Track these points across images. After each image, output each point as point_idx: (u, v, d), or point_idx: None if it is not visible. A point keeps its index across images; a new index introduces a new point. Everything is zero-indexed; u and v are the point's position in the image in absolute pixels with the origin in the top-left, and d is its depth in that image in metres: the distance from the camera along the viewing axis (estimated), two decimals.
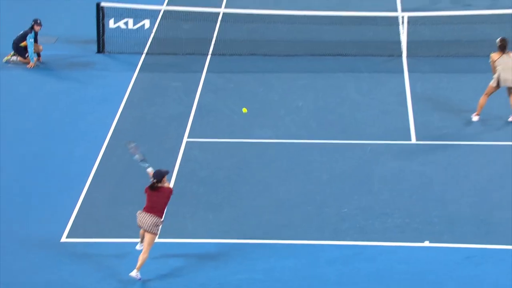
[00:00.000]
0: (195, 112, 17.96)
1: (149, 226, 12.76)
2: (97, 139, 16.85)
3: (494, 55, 16.77)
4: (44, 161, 16.15)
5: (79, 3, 23.14)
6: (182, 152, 16.50)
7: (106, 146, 16.66)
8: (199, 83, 19.17)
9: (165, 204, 12.89)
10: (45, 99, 18.56)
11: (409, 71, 19.47)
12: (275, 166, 16.04)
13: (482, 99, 17.12)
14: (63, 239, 13.92)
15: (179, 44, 20.82)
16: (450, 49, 20.08)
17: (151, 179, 12.88)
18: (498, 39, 16.81)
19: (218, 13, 21.64)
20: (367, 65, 19.87)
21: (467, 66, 19.46)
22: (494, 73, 16.86)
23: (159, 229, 12.91)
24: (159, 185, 12.82)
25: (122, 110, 18.06)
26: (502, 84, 16.76)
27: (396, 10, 22.28)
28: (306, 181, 15.57)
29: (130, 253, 13.43)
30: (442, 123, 17.47)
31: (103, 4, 20.52)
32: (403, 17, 20.38)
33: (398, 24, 20.89)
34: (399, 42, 20.42)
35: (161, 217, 12.84)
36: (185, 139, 16.98)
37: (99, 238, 13.82)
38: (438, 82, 18.96)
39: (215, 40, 21.01)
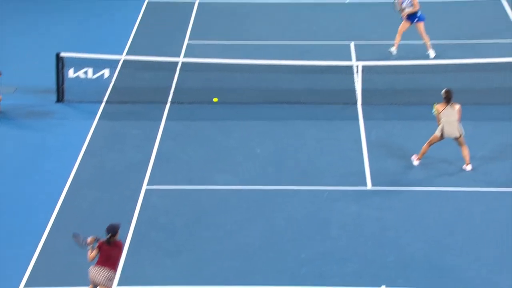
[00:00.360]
0: (154, 160, 17.98)
1: (104, 281, 12.66)
2: (56, 188, 16.76)
3: (439, 106, 17.05)
4: (2, 210, 16.00)
5: (38, 53, 23.16)
6: (142, 199, 16.47)
7: (66, 194, 16.58)
8: (158, 130, 19.22)
9: (119, 258, 12.79)
10: (4, 149, 18.44)
11: (364, 118, 19.72)
12: (235, 212, 16.08)
13: (425, 147, 17.42)
14: (21, 287, 13.75)
15: (138, 92, 20.89)
16: (403, 97, 20.39)
17: (90, 244, 12.67)
18: (443, 91, 17.10)
19: (177, 62, 21.78)
20: (324, 113, 20.09)
21: (418, 113, 19.77)
22: (439, 123, 17.19)
23: (113, 283, 12.79)
24: (113, 238, 12.74)
25: (82, 158, 18.02)
26: (446, 136, 17.15)
27: (350, 59, 22.62)
28: (266, 227, 15.62)
29: None
30: (396, 169, 17.68)
31: (62, 54, 20.56)
32: (357, 66, 20.70)
33: (352, 73, 21.20)
34: (354, 91, 20.70)
35: (115, 271, 12.74)
36: (145, 186, 16.97)
37: (58, 286, 13.67)
38: (391, 129, 19.23)
39: (175, 89, 21.11)
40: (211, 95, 20.68)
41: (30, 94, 20.93)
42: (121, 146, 18.59)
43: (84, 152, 18.27)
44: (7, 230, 15.34)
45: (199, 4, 26.66)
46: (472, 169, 17.38)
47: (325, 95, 20.74)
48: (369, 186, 17.08)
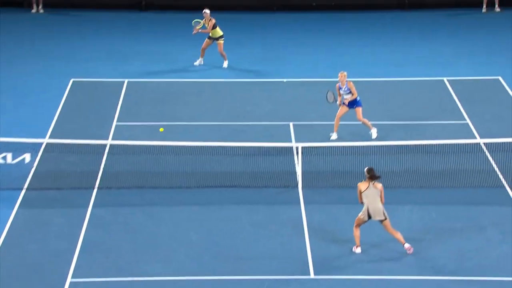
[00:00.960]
0: (80, 249, 17.71)
1: None
2: None
3: (362, 186, 17.28)
4: None
5: None
6: None
7: None
8: (84, 218, 18.99)
9: None
10: None
11: (305, 202, 19.83)
12: None
13: (355, 231, 17.56)
14: None
15: (63, 178, 20.69)
16: (346, 180, 20.61)
17: None
18: (366, 169, 17.34)
19: (105, 145, 21.73)
20: (261, 197, 20.15)
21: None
22: (361, 203, 17.40)
23: None
24: None
25: (0, 250, 17.68)
26: (372, 217, 17.35)
27: (290, 140, 22.88)
28: None
29: None
30: (340, 256, 17.67)
31: None
32: (297, 147, 20.93)
33: (292, 155, 21.41)
34: (294, 173, 20.88)
35: None
36: (69, 279, 16.67)
37: None
38: (334, 213, 19.35)
39: (102, 173, 20.98)
40: (141, 180, 20.63)
41: None
42: (43, 236, 18.30)
43: (2, 244, 17.91)
44: None
45: (128, 83, 26.82)
46: (417, 255, 17.52)
47: (263, 178, 20.85)
48: (312, 275, 17.05)
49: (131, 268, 17.10)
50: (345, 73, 22.50)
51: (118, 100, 25.51)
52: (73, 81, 26.96)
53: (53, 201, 19.77)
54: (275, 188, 20.51)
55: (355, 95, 22.49)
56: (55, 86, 26.60)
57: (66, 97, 25.78)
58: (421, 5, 35.38)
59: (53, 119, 24.11)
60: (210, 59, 28.69)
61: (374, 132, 22.81)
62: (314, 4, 35.57)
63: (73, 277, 16.73)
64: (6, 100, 25.61)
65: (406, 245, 17.57)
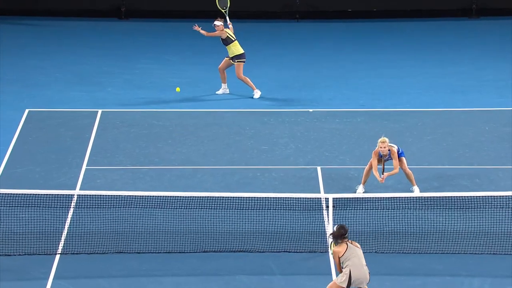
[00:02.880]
0: None
1: None
2: None
3: (337, 249, 17.41)
4: None
5: None
6: None
7: None
8: None
9: None
10: None
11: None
12: None
13: None
14: None
15: (14, 241, 20.71)
16: (391, 242, 20.53)
17: None
18: (336, 229, 17.51)
19: (72, 196, 21.73)
20: (280, 265, 20.07)
21: (413, 265, 19.97)
22: (340, 270, 17.47)
23: None
24: None
25: None
26: (354, 284, 17.38)
27: (318, 191, 22.83)
28: None
29: None
30: None
31: None
32: (327, 199, 20.84)
33: (321, 209, 21.33)
34: (323, 233, 20.80)
35: None
36: None
37: None
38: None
39: (67, 233, 20.99)
40: (120, 242, 20.59)
41: None
42: None
43: None
44: None
45: (102, 113, 26.89)
46: None
47: (283, 240, 20.75)
48: None
49: None
50: (387, 140, 22.49)
51: (90, 136, 25.58)
52: (29, 112, 27.09)
53: (3, 272, 19.74)
54: (298, 253, 20.44)
55: (396, 170, 22.54)
56: (5, 118, 26.71)
57: (20, 132, 25.88)
58: (495, 11, 35.41)
59: (2, 161, 24.17)
60: (213, 81, 28.90)
61: (416, 189, 22.90)
62: (349, 10, 35.75)
63: None
64: None
65: None
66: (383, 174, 22.44)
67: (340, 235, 17.42)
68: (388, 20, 35.45)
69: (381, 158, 22.59)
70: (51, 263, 20.03)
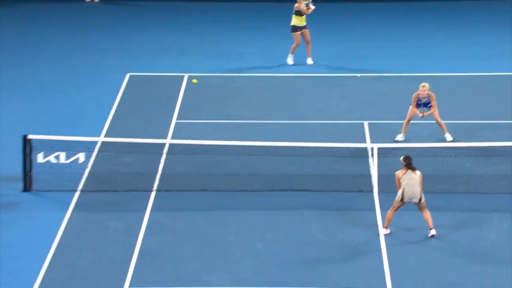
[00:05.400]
0: (137, 257, 17.87)
1: None
2: None
3: (399, 172, 18.55)
4: None
5: (2, 136, 23.26)
6: None
7: None
8: (142, 223, 19.16)
9: None
10: None
11: (381, 208, 19.71)
12: None
13: (390, 213, 18.62)
14: None
15: (119, 179, 20.91)
16: (425, 184, 20.39)
17: None
18: (402, 158, 18.53)
19: (164, 145, 21.89)
20: (334, 202, 20.10)
21: (444, 202, 19.84)
22: (399, 188, 18.42)
23: None
24: None
25: (52, 256, 17.91)
26: (406, 199, 18.41)
27: (364, 141, 22.76)
28: None
29: None
30: (420, 267, 17.59)
31: (30, 136, 20.64)
32: (372, 148, 20.80)
33: (367, 156, 21.30)
34: (369, 176, 20.77)
35: None
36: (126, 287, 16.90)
37: None
38: (413, 220, 19.11)
39: (161, 174, 21.14)
40: (203, 182, 20.74)
41: None
42: (98, 242, 18.51)
43: (55, 250, 18.16)
44: None
45: (189, 78, 26.99)
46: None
47: (336, 181, 20.79)
48: (388, 286, 16.96)
49: (192, 277, 17.19)
50: (427, 85, 22.30)
51: (178, 96, 25.70)
52: (130, 76, 27.24)
53: (109, 205, 19.98)
54: (348, 193, 20.43)
55: (435, 109, 22.30)
56: (110, 81, 26.91)
57: (123, 92, 26.06)
58: None
59: (108, 116, 24.39)
60: (278, 50, 28.79)
61: (448, 136, 22.65)
62: None
63: (130, 285, 16.89)
64: (59, 96, 25.99)
65: (432, 231, 18.42)
66: (422, 113, 22.32)
67: (403, 162, 18.42)
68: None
69: (420, 103, 22.33)
70: (148, 198, 20.23)
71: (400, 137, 22.78)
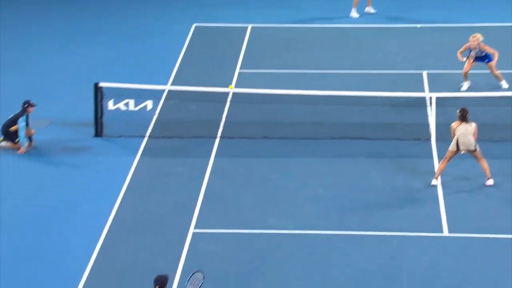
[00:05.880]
0: (202, 200, 18.03)
1: None
2: (93, 232, 16.87)
3: (454, 124, 18.45)
4: (34, 256, 16.14)
5: (75, 83, 23.49)
6: (188, 244, 16.50)
7: (104, 240, 16.67)
8: (206, 168, 19.30)
9: None
10: (36, 187, 18.65)
11: (439, 156, 19.57)
12: (292, 260, 16.01)
13: (442, 164, 18.47)
14: None
15: (184, 126, 21.03)
16: (482, 133, 20.17)
17: None
18: (458, 110, 18.41)
19: (228, 93, 21.91)
20: (391, 149, 20.00)
21: (501, 151, 19.62)
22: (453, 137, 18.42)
23: None
24: None
25: (122, 198, 18.15)
26: (460, 147, 18.30)
27: (423, 90, 22.54)
28: (327, 277, 15.52)
29: None
30: (476, 213, 17.49)
31: (101, 84, 20.82)
32: (431, 97, 20.59)
33: (425, 106, 21.09)
34: (427, 125, 20.60)
35: None
36: (191, 230, 17.01)
37: None
38: (470, 168, 19.00)
39: (224, 122, 21.21)
40: (266, 130, 20.75)
41: (66, 128, 21.20)
42: (165, 186, 18.70)
43: (125, 192, 18.40)
44: (40, 281, 15.43)
45: (252, 29, 26.90)
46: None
47: (394, 130, 20.67)
48: (445, 232, 16.91)
49: (255, 220, 17.30)
50: (478, 36, 21.92)
51: (241, 46, 25.64)
52: (196, 26, 27.22)
53: (175, 151, 20.12)
54: (406, 141, 20.31)
55: (494, 52, 21.96)
56: (176, 31, 26.93)
57: (188, 42, 26.08)
58: None
59: (175, 65, 24.46)
60: (339, 1, 28.54)
61: (504, 83, 22.34)
62: None
63: (195, 228, 17.05)
64: (127, 45, 26.10)
65: (490, 181, 18.30)
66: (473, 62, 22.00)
67: (458, 114, 18.39)
68: None
69: (473, 55, 22.03)
70: (212, 144, 20.32)
71: (465, 85, 22.45)
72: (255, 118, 21.29)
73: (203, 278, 13.09)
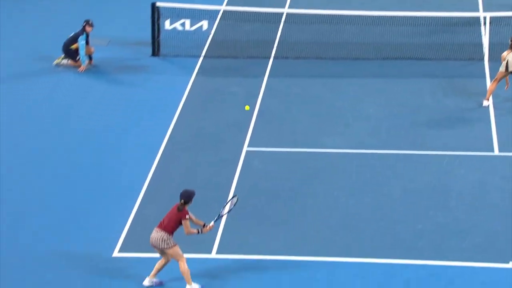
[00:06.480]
0: (256, 119, 17.96)
1: (156, 242, 12.89)
2: (150, 148, 16.93)
3: (505, 53, 17.81)
4: (94, 171, 16.28)
5: (133, 3, 23.39)
6: (242, 162, 16.49)
7: (161, 156, 16.73)
8: (260, 88, 19.18)
9: (176, 225, 12.90)
10: (96, 105, 18.74)
11: (491, 76, 19.19)
12: (343, 178, 15.93)
13: (492, 85, 17.99)
14: (115, 253, 14.00)
15: (239, 46, 20.88)
16: None
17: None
18: (510, 38, 17.76)
19: (282, 14, 21.63)
20: (444, 70, 19.66)
21: None
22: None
23: (171, 243, 12.90)
24: (184, 206, 12.91)
25: (178, 117, 18.15)
26: (510, 68, 17.67)
27: (477, 10, 22.00)
28: (377, 195, 15.42)
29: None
30: None
31: (158, 4, 20.67)
32: (485, 17, 20.10)
33: (479, 25, 20.62)
34: (480, 45, 20.16)
35: (170, 234, 12.86)
36: (245, 148, 16.97)
37: (151, 253, 13.84)
38: None
39: (278, 42, 21.01)
40: (319, 50, 20.50)
41: (124, 47, 21.19)
42: (220, 105, 18.64)
43: (180, 110, 18.39)
44: (100, 194, 15.58)
45: None
46: None
47: (446, 50, 20.28)
48: (496, 151, 16.64)
49: (307, 139, 17.20)
50: None
51: None
52: None
53: (230, 70, 20.01)
54: (459, 61, 19.95)
55: None
56: None
57: None
58: None
59: None
60: None
61: None
62: None
63: (249, 146, 17.01)
64: None
65: None
66: None
67: (510, 42, 17.76)
68: None
69: None
70: (266, 64, 20.17)
71: None
72: (308, 38, 21.04)
73: (237, 200, 13.23)
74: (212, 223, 13.12)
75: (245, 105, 15.48)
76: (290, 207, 15.12)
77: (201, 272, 13.40)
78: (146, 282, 13.22)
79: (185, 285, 12.98)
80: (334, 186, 15.69)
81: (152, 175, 16.10)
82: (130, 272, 13.50)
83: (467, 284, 13.14)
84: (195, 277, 13.14)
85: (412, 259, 13.71)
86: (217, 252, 13.93)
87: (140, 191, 15.59)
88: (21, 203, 15.34)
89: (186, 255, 13.05)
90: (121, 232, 14.46)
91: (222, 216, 13.29)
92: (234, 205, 13.33)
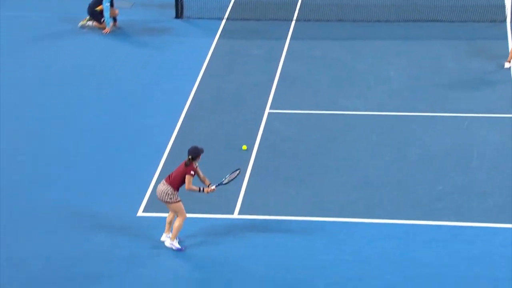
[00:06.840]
0: (277, 82, 17.83)
1: (160, 194, 12.89)
2: (175, 109, 16.88)
3: None
4: (118, 132, 16.28)
5: None
6: (264, 123, 16.41)
7: (184, 117, 16.68)
8: (282, 50, 19.03)
9: (182, 180, 12.89)
10: (121, 66, 18.68)
11: None
12: (364, 140, 15.82)
13: None
14: (139, 213, 14.02)
15: (261, 9, 20.70)
16: None
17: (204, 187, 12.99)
18: None
19: None
20: (465, 32, 19.41)
21: None
22: None
23: (175, 198, 12.88)
24: (192, 162, 12.88)
25: (201, 78, 18.06)
26: None
27: None
28: (397, 156, 15.31)
29: (204, 227, 13.49)
30: None
31: None
32: None
33: None
34: (502, 6, 19.87)
35: (175, 189, 12.86)
36: (267, 110, 16.88)
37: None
38: None
39: (300, 5, 20.81)
40: (340, 12, 20.29)
41: (148, 9, 21.07)
42: (242, 67, 18.52)
43: (204, 72, 18.29)
44: (125, 154, 15.60)
45: None
46: None
47: (468, 12, 20.01)
48: None
49: (328, 101, 17.07)
50: None
51: None
52: None
53: (252, 32, 19.85)
54: (480, 23, 19.67)
55: None
56: None
57: None
58: None
59: None
60: None
61: None
62: None
63: (271, 108, 16.91)
64: None
65: None
66: None
67: None
68: None
69: None
70: (288, 27, 20.00)
71: None
72: (330, 0, 20.80)
73: (239, 172, 13.21)
74: (214, 186, 13.05)
75: (243, 145, 15.45)
76: (311, 168, 15.05)
77: (224, 232, 13.40)
78: (164, 237, 13.25)
79: (175, 241, 13.06)
80: (355, 148, 15.59)
81: (176, 135, 16.07)
82: (153, 232, 13.52)
83: (487, 244, 13.06)
84: (218, 237, 13.11)
85: (432, 220, 13.63)
86: (239, 213, 13.91)
87: (164, 152, 15.58)
88: (47, 162, 15.38)
89: (209, 215, 13.05)
90: (145, 192, 14.47)
91: (223, 184, 13.17)
92: (235, 178, 13.22)
